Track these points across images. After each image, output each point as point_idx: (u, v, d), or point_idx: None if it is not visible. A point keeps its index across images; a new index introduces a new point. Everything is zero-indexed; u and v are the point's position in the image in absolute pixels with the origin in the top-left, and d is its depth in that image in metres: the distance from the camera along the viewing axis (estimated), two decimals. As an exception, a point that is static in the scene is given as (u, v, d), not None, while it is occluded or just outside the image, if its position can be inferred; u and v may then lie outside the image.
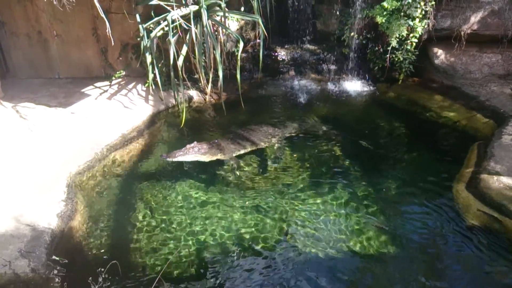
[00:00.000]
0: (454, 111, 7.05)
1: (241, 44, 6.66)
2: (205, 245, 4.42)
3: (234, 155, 5.90)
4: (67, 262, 3.97)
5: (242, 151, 6.04)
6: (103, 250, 4.32)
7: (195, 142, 5.61)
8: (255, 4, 6.67)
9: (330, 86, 8.65)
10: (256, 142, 6.20)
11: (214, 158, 5.70)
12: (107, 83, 7.85)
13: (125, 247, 4.40)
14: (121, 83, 7.88)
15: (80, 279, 3.83)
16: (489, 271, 4.01)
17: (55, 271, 3.81)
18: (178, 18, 6.23)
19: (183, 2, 6.61)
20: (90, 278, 3.67)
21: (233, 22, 7.95)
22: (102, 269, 3.66)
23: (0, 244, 3.87)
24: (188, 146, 5.53)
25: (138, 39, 7.20)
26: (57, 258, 3.89)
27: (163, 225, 4.72)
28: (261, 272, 4.04)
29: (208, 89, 7.67)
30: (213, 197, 5.20)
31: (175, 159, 5.42)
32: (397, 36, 7.36)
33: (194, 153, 5.49)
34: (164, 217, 4.85)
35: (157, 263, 4.17)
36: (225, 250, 4.34)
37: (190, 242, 4.46)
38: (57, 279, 3.75)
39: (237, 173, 5.63)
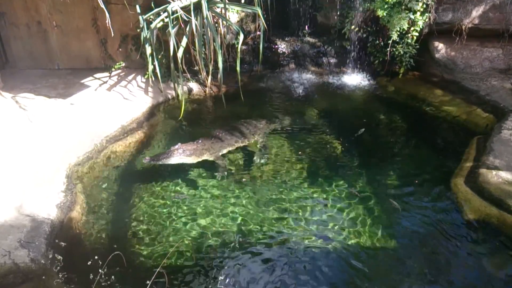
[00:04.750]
0: (454, 105, 7.04)
1: (241, 36, 6.64)
2: (205, 236, 4.43)
3: (220, 154, 5.77)
4: (67, 253, 3.98)
5: (228, 149, 5.92)
6: (102, 241, 4.33)
7: (179, 144, 5.44)
8: (255, -4, 6.65)
9: (330, 79, 8.64)
10: (242, 138, 6.10)
11: (200, 159, 5.54)
12: (106, 74, 7.84)
13: (125, 239, 4.41)
14: (121, 74, 7.86)
15: (79, 269, 3.85)
16: (486, 265, 4.02)
17: (55, 261, 3.82)
18: (178, 9, 6.20)
19: (184, -7, 6.59)
20: (90, 268, 3.69)
21: (234, 14, 7.92)
22: (103, 260, 3.67)
23: (0, 234, 3.88)
24: (172, 148, 5.36)
25: (138, 30, 7.19)
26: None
27: (163, 216, 4.73)
28: (261, 263, 4.05)
29: (208, 81, 7.66)
30: (213, 189, 5.21)
31: (159, 163, 5.27)
32: (398, 29, 7.33)
33: (179, 155, 5.32)
34: (163, 208, 4.86)
35: (157, 254, 4.18)
36: (225, 242, 4.35)
37: (191, 233, 4.47)
38: (56, 269, 3.76)
39: (225, 172, 5.49)
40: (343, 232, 4.46)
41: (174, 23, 6.49)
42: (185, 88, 7.67)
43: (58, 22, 7.68)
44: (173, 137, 6.44)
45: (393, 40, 7.55)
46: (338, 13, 8.51)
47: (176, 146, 5.40)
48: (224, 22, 7.15)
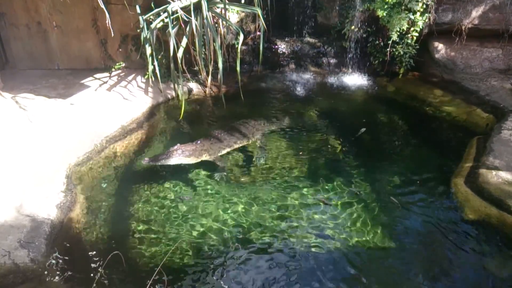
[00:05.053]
0: (454, 105, 7.04)
1: (241, 37, 6.63)
2: (205, 237, 4.43)
3: (219, 154, 5.77)
4: (66, 253, 3.98)
5: (227, 150, 5.92)
6: (102, 241, 4.34)
7: (178, 144, 5.44)
8: (255, -4, 6.65)
9: (330, 79, 8.64)
10: (241, 139, 6.10)
11: (199, 160, 5.53)
12: (106, 74, 7.84)
13: (125, 238, 4.41)
14: (121, 74, 7.86)
15: (79, 269, 3.85)
16: (487, 266, 4.02)
17: (54, 262, 3.82)
18: (178, 9, 6.20)
19: (183, -7, 6.59)
20: (89, 268, 3.69)
21: (233, 14, 7.92)
22: (102, 260, 3.67)
23: (0, 234, 3.88)
24: (171, 149, 5.35)
25: (138, 30, 7.19)
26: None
27: (162, 216, 4.73)
28: (260, 264, 4.05)
29: (208, 82, 7.66)
30: (212, 190, 5.21)
31: (158, 164, 5.26)
32: (398, 29, 7.34)
33: (178, 156, 5.31)
34: (163, 208, 4.86)
35: (157, 254, 4.19)
36: (224, 242, 4.35)
37: (190, 233, 4.47)
38: (56, 269, 3.76)
39: (225, 173, 5.48)
40: (343, 232, 4.46)
41: (174, 23, 6.49)
42: (185, 88, 7.67)
43: (58, 23, 7.68)
44: (173, 137, 6.45)
45: (393, 41, 7.55)
46: (338, 13, 8.52)
47: (175, 147, 5.39)
48: (224, 23, 7.15)
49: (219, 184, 5.30)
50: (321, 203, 4.91)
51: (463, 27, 7.46)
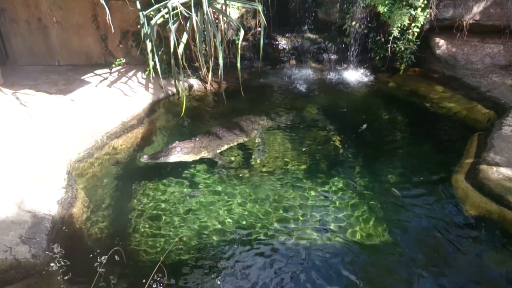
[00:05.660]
0: (454, 101, 7.02)
1: (241, 33, 6.62)
2: (205, 233, 4.43)
3: (218, 151, 5.76)
4: (67, 248, 3.99)
5: (226, 147, 5.91)
6: (103, 237, 4.35)
7: (177, 142, 5.43)
8: (256, -8, 6.63)
9: (331, 75, 8.62)
10: (241, 135, 6.09)
11: (198, 157, 5.54)
12: (107, 70, 7.83)
13: (126, 234, 4.42)
14: (121, 70, 7.86)
15: (80, 265, 3.87)
16: (487, 262, 4.03)
17: (56, 257, 3.83)
18: (178, 5, 6.19)
19: (184, -11, 6.57)
20: (90, 264, 3.70)
21: (234, 10, 7.90)
22: (103, 255, 3.68)
23: (1, 230, 3.89)
24: (170, 146, 5.36)
25: (138, 26, 7.17)
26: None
27: (163, 212, 4.74)
28: (260, 259, 4.06)
29: (209, 78, 7.65)
30: (212, 186, 5.21)
31: (157, 161, 5.27)
32: (399, 25, 7.31)
33: (177, 153, 5.31)
34: (164, 204, 4.87)
35: (158, 250, 4.20)
36: (224, 238, 4.36)
37: (190, 230, 4.47)
38: (57, 265, 3.77)
39: (224, 170, 5.49)
40: (343, 228, 4.46)
41: (175, 19, 6.48)
42: (186, 84, 7.66)
43: (58, 18, 7.68)
44: (174, 133, 6.44)
45: (394, 36, 7.53)
46: (339, 9, 8.49)
47: (174, 144, 5.39)
48: (225, 18, 7.14)
49: (219, 181, 5.30)
50: (322, 198, 4.91)
51: (464, 23, 7.43)
